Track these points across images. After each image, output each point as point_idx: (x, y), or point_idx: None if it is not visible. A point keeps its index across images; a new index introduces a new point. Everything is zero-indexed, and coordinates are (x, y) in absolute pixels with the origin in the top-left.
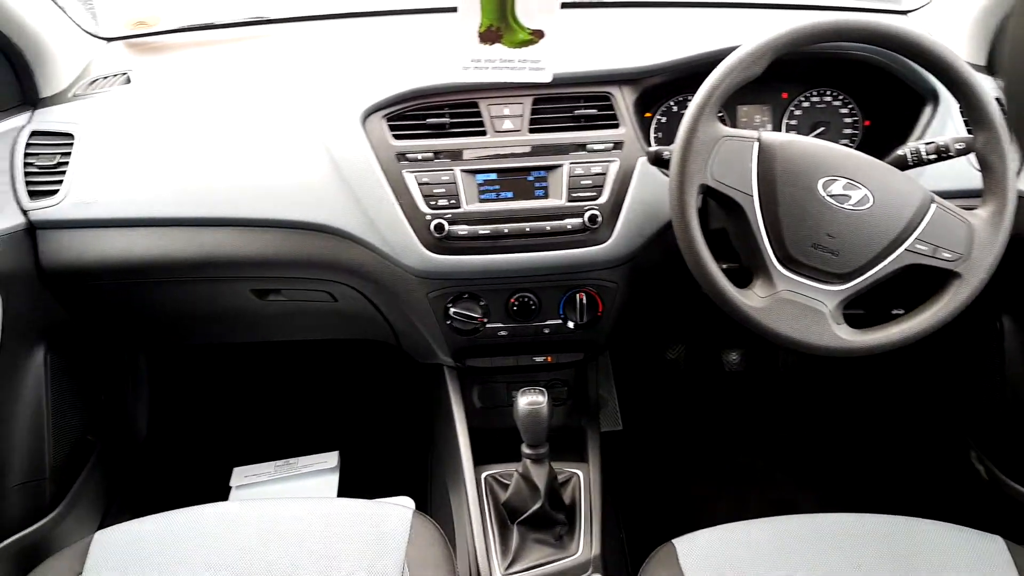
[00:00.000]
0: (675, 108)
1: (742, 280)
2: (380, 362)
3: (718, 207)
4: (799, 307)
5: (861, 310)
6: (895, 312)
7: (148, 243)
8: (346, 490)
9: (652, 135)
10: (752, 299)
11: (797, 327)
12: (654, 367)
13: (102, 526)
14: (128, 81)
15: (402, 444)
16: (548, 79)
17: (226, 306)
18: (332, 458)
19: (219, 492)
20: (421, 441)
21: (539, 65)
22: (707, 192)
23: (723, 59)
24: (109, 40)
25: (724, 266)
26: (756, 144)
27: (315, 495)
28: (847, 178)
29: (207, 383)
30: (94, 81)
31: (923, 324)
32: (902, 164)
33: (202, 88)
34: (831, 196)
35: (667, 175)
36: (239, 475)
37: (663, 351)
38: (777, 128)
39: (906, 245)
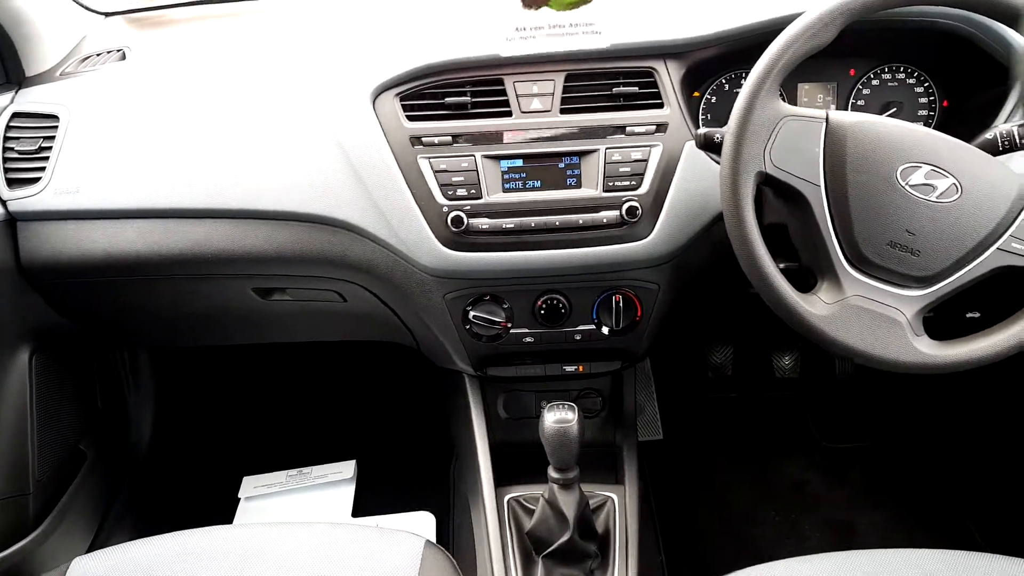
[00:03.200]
0: (727, 86)
1: (802, 283)
2: (399, 364)
3: (774, 198)
4: (872, 316)
5: (931, 312)
6: (970, 316)
7: (137, 236)
8: (363, 502)
9: (700, 117)
10: (816, 306)
11: (870, 339)
12: (698, 371)
13: (93, 544)
14: (123, 58)
15: (423, 453)
16: (607, 44)
17: (226, 306)
18: (348, 468)
19: (227, 503)
20: (443, 450)
21: (595, 28)
22: (765, 181)
23: (786, 27)
24: (108, 15)
25: (781, 266)
26: (824, 125)
27: (329, 508)
28: (931, 165)
29: (215, 385)
30: (86, 58)
31: (1019, 336)
32: (992, 149)
33: (200, 66)
34: (912, 186)
35: (718, 161)
36: (248, 485)
37: (708, 354)
38: (843, 109)
39: (999, 244)
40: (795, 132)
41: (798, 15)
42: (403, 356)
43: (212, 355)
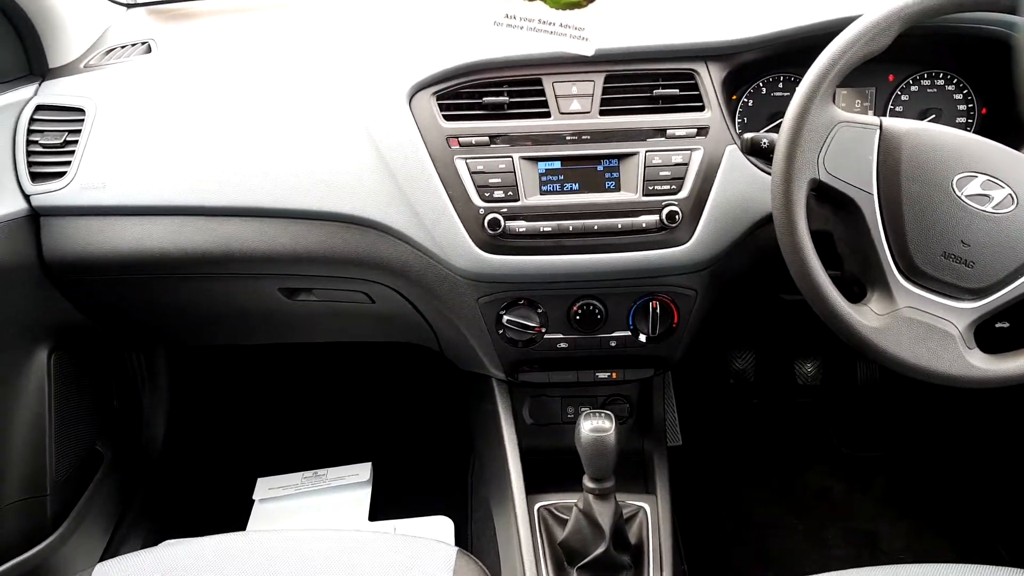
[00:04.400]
0: (764, 90)
1: (845, 292)
2: (419, 365)
3: (818, 205)
4: (924, 328)
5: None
6: (999, 326)
7: (164, 234)
8: (379, 505)
9: (736, 121)
10: (867, 317)
11: (922, 352)
12: (719, 377)
13: (109, 546)
14: (149, 51)
15: (441, 456)
16: (590, 52)
17: (251, 305)
18: (364, 470)
19: (241, 505)
20: (462, 453)
21: (582, 34)
22: (817, 188)
23: (839, 31)
24: (130, 6)
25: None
26: (878, 132)
27: (345, 511)
28: (987, 174)
29: (231, 385)
30: (111, 50)
31: None
32: None
33: (230, 60)
34: (967, 196)
35: (762, 168)
36: (263, 487)
37: (730, 360)
38: (881, 115)
39: None
40: (849, 139)
41: (851, 19)
42: (420, 357)
43: (227, 354)
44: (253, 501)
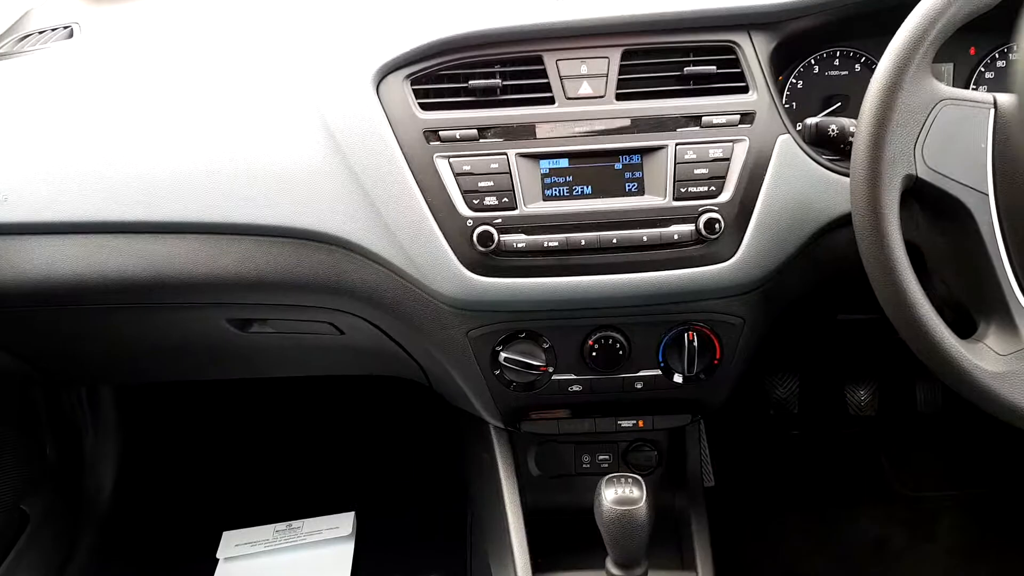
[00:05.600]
0: (817, 68)
1: (945, 319)
2: (406, 399)
3: (904, 208)
4: None
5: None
6: None
7: (79, 256)
8: (363, 563)
9: (783, 104)
10: (985, 358)
11: None
12: (757, 407)
13: None
14: (70, 36)
15: (435, 504)
16: (671, 10)
17: (196, 338)
18: (346, 521)
19: (203, 564)
20: (459, 500)
21: None
22: (914, 187)
23: None
24: None
25: None
26: (991, 112)
27: (324, 571)
28: None
29: (191, 424)
30: (26, 36)
31: None
32: None
33: (163, 46)
34: None
35: (825, 163)
36: (229, 542)
37: (770, 387)
38: None
39: None
40: (955, 122)
41: None
42: (410, 390)
43: (185, 389)
44: (217, 560)
